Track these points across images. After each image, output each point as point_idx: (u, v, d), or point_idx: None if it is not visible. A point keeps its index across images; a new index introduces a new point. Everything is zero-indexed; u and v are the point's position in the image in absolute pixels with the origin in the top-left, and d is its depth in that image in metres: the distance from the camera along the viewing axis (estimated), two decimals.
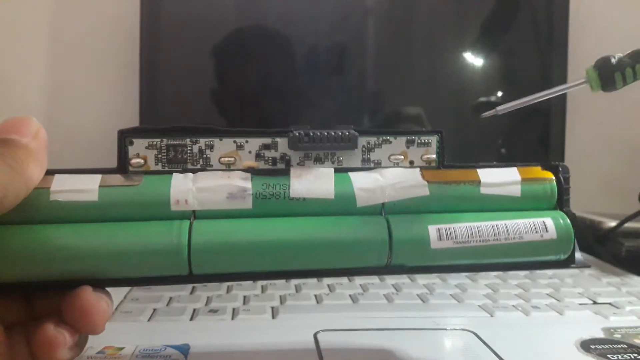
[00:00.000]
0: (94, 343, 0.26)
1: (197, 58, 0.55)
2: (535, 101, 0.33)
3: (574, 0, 0.58)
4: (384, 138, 0.22)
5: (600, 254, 0.48)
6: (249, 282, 0.37)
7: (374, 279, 0.39)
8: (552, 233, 0.22)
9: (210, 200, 0.20)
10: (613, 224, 0.49)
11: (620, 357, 0.27)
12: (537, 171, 0.23)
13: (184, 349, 0.26)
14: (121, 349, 0.26)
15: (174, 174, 0.21)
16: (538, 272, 0.42)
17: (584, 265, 0.23)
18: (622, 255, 0.47)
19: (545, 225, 0.22)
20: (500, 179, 0.22)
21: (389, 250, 0.21)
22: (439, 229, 0.21)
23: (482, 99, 0.57)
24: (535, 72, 0.58)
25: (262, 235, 0.20)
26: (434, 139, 0.23)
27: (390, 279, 0.39)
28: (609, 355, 0.27)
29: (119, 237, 0.20)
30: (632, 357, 0.27)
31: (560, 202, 0.23)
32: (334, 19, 0.56)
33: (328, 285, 0.37)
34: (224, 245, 0.20)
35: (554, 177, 0.23)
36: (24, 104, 0.58)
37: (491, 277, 0.40)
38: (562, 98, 0.58)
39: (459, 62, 0.57)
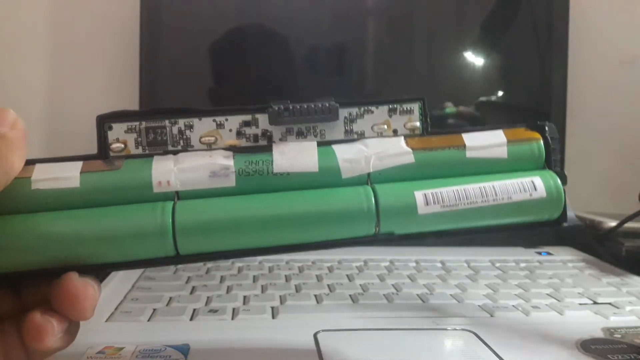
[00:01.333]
0: (94, 343, 0.26)
1: (196, 58, 0.55)
2: None
3: (574, 0, 0.58)
4: (366, 108, 0.22)
5: (600, 254, 0.48)
6: (249, 282, 0.37)
7: (374, 279, 0.39)
8: (541, 192, 0.22)
9: (192, 180, 0.20)
10: (613, 224, 0.49)
11: (620, 357, 0.27)
12: (523, 132, 0.23)
13: (183, 349, 0.26)
14: (121, 349, 0.26)
15: (155, 157, 0.21)
16: (538, 271, 0.42)
17: (576, 223, 0.23)
18: (622, 255, 0.47)
19: (534, 184, 0.22)
20: (485, 141, 0.22)
21: (376, 218, 0.21)
22: (425, 194, 0.21)
23: (482, 98, 0.57)
24: (536, 72, 0.58)
25: (248, 211, 0.20)
26: (416, 106, 0.22)
27: (391, 279, 0.39)
28: (609, 356, 0.27)
29: (103, 222, 0.20)
30: (632, 357, 0.27)
31: (549, 161, 0.23)
32: (334, 18, 0.56)
33: (328, 285, 0.37)
34: (209, 223, 0.20)
35: (540, 137, 0.23)
36: (24, 104, 0.58)
37: (491, 277, 0.40)
38: (562, 98, 0.58)
39: (459, 61, 0.57)
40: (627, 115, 0.63)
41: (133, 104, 0.54)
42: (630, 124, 0.63)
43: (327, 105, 0.21)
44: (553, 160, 0.23)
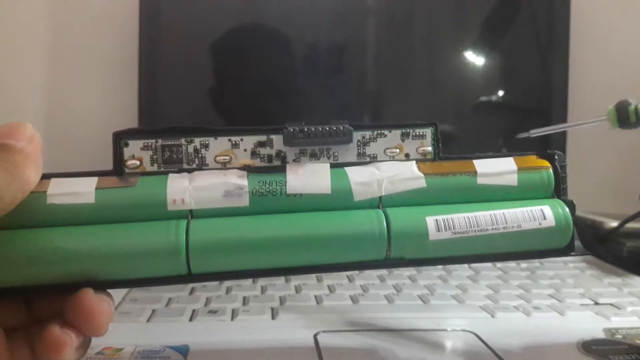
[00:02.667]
0: (93, 344, 0.26)
1: (196, 58, 0.55)
2: (564, 129, 0.39)
3: (575, 0, 0.58)
4: (379, 132, 0.22)
5: (601, 254, 0.47)
6: (249, 282, 0.37)
7: (374, 280, 0.38)
8: (550, 221, 0.22)
9: (207, 199, 0.20)
10: (614, 224, 0.49)
11: (621, 357, 0.27)
12: (533, 160, 0.23)
13: (183, 350, 0.26)
14: (120, 349, 0.26)
15: (170, 174, 0.21)
16: (539, 272, 0.42)
17: (583, 253, 0.23)
18: (624, 255, 0.47)
19: (544, 213, 0.22)
20: (496, 168, 0.23)
21: (387, 243, 0.21)
22: (437, 220, 0.21)
23: (483, 98, 0.57)
24: (536, 72, 0.58)
25: (260, 232, 0.20)
26: (428, 131, 0.23)
27: (391, 279, 0.38)
28: (610, 356, 0.27)
29: (117, 239, 0.20)
30: (634, 357, 0.27)
31: (558, 190, 0.23)
32: (334, 18, 0.56)
33: (328, 286, 0.37)
34: (222, 243, 0.20)
35: (550, 166, 0.23)
36: (23, 105, 0.58)
37: (492, 277, 0.40)
38: (563, 98, 0.58)
39: (460, 61, 0.57)
40: None
41: (132, 105, 0.55)
42: None
43: (342, 128, 0.22)
44: (562, 188, 0.23)
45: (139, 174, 0.21)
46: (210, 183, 0.20)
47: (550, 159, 0.23)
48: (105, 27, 0.59)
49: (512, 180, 0.22)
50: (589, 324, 0.31)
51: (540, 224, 0.22)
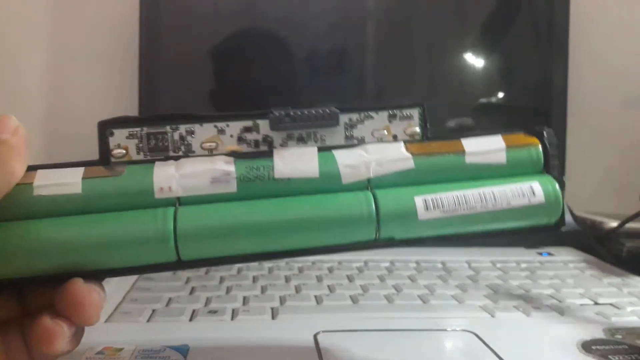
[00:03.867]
0: (94, 343, 0.26)
1: (196, 59, 0.55)
2: None
3: (575, 0, 0.58)
4: (366, 114, 0.22)
5: (601, 254, 0.47)
6: (249, 282, 0.37)
7: (375, 280, 0.38)
8: (540, 197, 0.22)
9: (194, 186, 0.20)
10: (614, 224, 0.49)
11: (621, 357, 0.27)
12: (522, 137, 0.23)
13: (183, 350, 0.26)
14: (120, 349, 0.26)
15: (157, 162, 0.21)
16: (539, 272, 0.42)
17: (574, 228, 0.23)
18: (623, 255, 0.47)
19: (533, 189, 0.22)
20: (484, 147, 0.22)
21: (376, 224, 0.21)
22: (425, 199, 0.21)
23: (483, 100, 0.57)
24: (536, 72, 0.58)
25: (249, 217, 0.20)
26: (415, 112, 0.23)
27: (391, 280, 0.38)
28: (610, 356, 0.27)
29: (105, 228, 0.20)
30: (633, 357, 0.27)
31: (547, 166, 0.23)
32: (334, 19, 0.56)
33: (328, 286, 0.37)
34: (210, 229, 0.20)
35: (539, 142, 0.23)
36: (23, 105, 0.58)
37: (492, 277, 0.40)
38: (563, 98, 0.58)
39: (459, 62, 0.57)
40: (628, 115, 0.63)
41: (132, 105, 0.54)
42: (631, 124, 0.63)
43: (328, 111, 0.22)
44: (552, 165, 0.23)
45: (125, 163, 0.21)
46: (197, 170, 0.20)
47: (539, 136, 0.23)
48: (106, 27, 0.59)
49: (501, 158, 0.22)
50: (588, 324, 0.31)
51: (529, 200, 0.22)
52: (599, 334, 0.30)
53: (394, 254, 0.45)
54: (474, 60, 0.57)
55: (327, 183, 0.21)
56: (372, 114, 0.22)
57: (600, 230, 0.50)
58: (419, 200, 0.21)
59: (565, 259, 0.47)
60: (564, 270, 0.43)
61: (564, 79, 0.58)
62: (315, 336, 0.28)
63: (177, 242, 0.20)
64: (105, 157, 0.21)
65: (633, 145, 0.63)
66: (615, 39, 0.63)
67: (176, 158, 0.21)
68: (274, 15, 0.55)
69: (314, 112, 0.21)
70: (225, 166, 0.21)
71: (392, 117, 0.23)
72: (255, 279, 0.38)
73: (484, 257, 0.46)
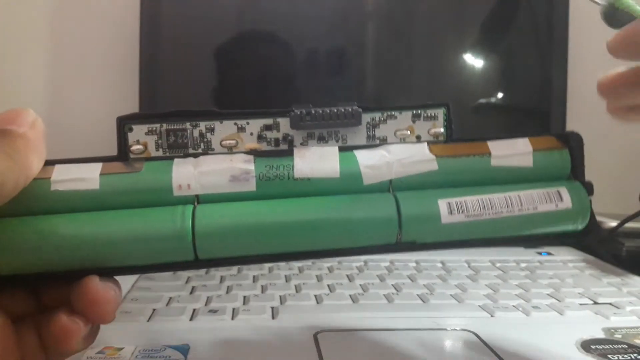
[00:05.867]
0: (94, 343, 0.26)
1: (196, 58, 0.55)
2: None
3: (574, 0, 0.58)
4: (389, 113, 0.22)
5: (600, 254, 0.47)
6: (249, 282, 0.37)
7: (374, 279, 0.39)
8: (567, 202, 0.21)
9: (213, 184, 0.20)
10: (613, 224, 0.49)
11: (620, 357, 0.27)
12: (549, 141, 0.22)
13: (183, 349, 0.26)
14: (121, 349, 0.26)
15: (175, 159, 0.20)
16: (539, 271, 0.42)
17: (601, 238, 0.22)
18: (623, 255, 0.47)
19: (560, 194, 0.21)
20: (511, 150, 0.22)
21: (398, 227, 0.20)
22: (449, 202, 0.21)
23: (482, 99, 0.57)
24: (536, 72, 0.58)
25: (268, 216, 0.20)
26: (440, 112, 0.22)
27: (391, 279, 0.39)
28: (609, 356, 0.27)
29: (122, 225, 0.19)
30: (633, 357, 0.27)
31: (575, 171, 0.22)
32: (334, 19, 0.56)
33: (328, 286, 0.37)
34: (228, 228, 0.20)
35: (566, 146, 0.22)
36: (24, 104, 0.58)
37: (492, 277, 0.40)
38: (563, 98, 0.58)
39: (459, 62, 0.57)
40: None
41: (132, 105, 0.55)
42: (630, 124, 0.63)
43: (350, 110, 0.21)
44: (579, 170, 0.22)
45: (143, 160, 0.20)
46: (217, 168, 0.20)
47: (567, 140, 0.22)
48: (106, 27, 0.59)
49: (528, 161, 0.22)
50: (588, 324, 0.31)
51: (556, 205, 0.21)
52: (598, 333, 0.30)
53: (394, 254, 0.45)
54: (474, 60, 0.57)
55: (348, 184, 0.21)
56: (395, 113, 0.22)
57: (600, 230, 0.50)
58: (442, 204, 0.21)
59: (565, 258, 0.47)
60: (563, 269, 0.43)
61: (563, 79, 0.58)
62: (315, 336, 0.28)
63: (195, 240, 0.19)
64: (123, 153, 0.20)
65: (633, 145, 0.63)
66: None
67: (195, 155, 0.21)
68: (274, 15, 0.55)
69: (335, 110, 0.21)
70: (244, 164, 0.20)
71: (415, 117, 0.22)
72: (255, 279, 0.38)
73: (483, 257, 0.46)
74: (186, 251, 0.20)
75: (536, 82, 0.58)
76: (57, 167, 0.20)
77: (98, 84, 0.60)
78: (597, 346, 0.28)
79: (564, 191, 0.21)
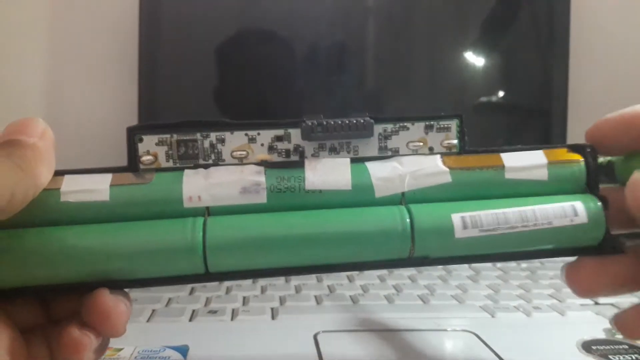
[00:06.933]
0: None
1: (196, 58, 0.55)
2: None
3: (575, 0, 0.58)
4: (401, 125, 0.21)
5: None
6: (249, 282, 0.37)
7: (374, 280, 0.38)
8: (582, 217, 0.21)
9: (223, 196, 0.20)
10: None
11: (621, 358, 0.27)
12: (564, 153, 0.22)
13: (183, 350, 0.26)
14: (120, 350, 0.26)
15: (186, 170, 0.20)
16: (540, 272, 0.42)
17: (619, 252, 0.21)
18: None
19: (575, 209, 0.21)
20: (525, 162, 0.21)
21: (411, 241, 0.20)
22: (463, 217, 0.20)
23: (483, 98, 0.57)
24: (537, 71, 0.58)
25: (279, 229, 0.20)
26: (453, 124, 0.22)
27: (391, 280, 0.38)
28: (610, 356, 0.27)
29: (133, 237, 0.19)
30: (634, 358, 0.27)
31: (590, 184, 0.22)
32: (334, 18, 0.56)
33: (328, 286, 0.37)
34: (239, 241, 0.19)
35: (582, 159, 0.22)
36: (23, 105, 0.58)
37: (492, 277, 0.40)
38: (563, 98, 0.58)
39: (460, 61, 0.57)
40: None
41: (132, 106, 0.55)
42: None
43: (362, 121, 0.21)
44: (594, 183, 0.22)
45: (154, 170, 0.20)
46: (227, 179, 0.20)
47: (582, 152, 0.22)
48: (105, 28, 0.59)
49: (542, 174, 0.21)
50: (589, 324, 0.31)
51: (572, 220, 0.21)
52: (599, 334, 0.29)
53: None
54: (475, 59, 0.57)
55: (360, 196, 0.20)
56: (408, 124, 0.21)
57: None
58: (456, 218, 0.20)
59: (565, 258, 0.47)
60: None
61: (564, 78, 0.58)
62: (315, 336, 0.28)
63: (206, 253, 0.19)
64: (133, 164, 0.20)
65: None
66: (616, 38, 0.63)
67: (206, 166, 0.20)
68: (274, 15, 0.55)
69: (347, 121, 0.21)
70: (255, 176, 0.20)
71: (428, 129, 0.22)
72: (254, 279, 0.38)
73: None
74: (196, 264, 0.19)
75: (537, 82, 0.58)
76: (67, 177, 0.20)
77: (97, 84, 0.59)
78: (598, 347, 0.28)
79: (579, 205, 0.21)
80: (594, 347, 0.28)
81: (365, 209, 0.20)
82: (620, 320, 0.22)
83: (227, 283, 0.37)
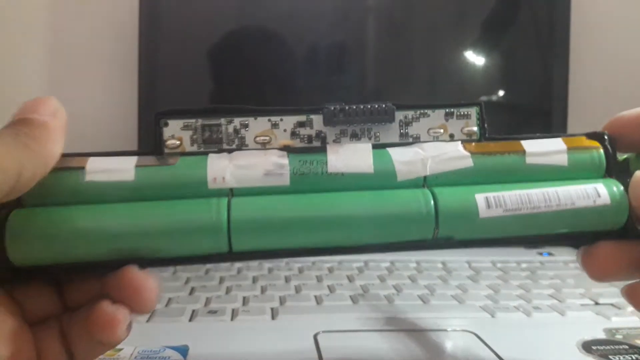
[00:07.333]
0: None
1: (196, 57, 0.55)
2: None
3: (575, 0, 0.58)
4: (422, 112, 0.22)
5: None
6: (249, 282, 0.37)
7: (375, 280, 0.38)
8: (605, 199, 0.21)
9: (247, 178, 0.20)
10: None
11: (621, 358, 0.26)
12: (582, 140, 0.22)
13: (183, 350, 0.26)
14: (120, 350, 0.26)
15: (210, 154, 0.20)
16: (540, 272, 0.42)
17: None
18: None
19: (598, 191, 0.21)
20: (545, 148, 0.22)
21: (435, 221, 0.20)
22: (486, 197, 0.20)
23: (483, 98, 0.57)
24: (537, 71, 0.58)
25: (303, 211, 0.20)
26: (473, 111, 0.22)
27: (391, 280, 0.38)
28: (610, 356, 0.27)
29: (160, 215, 0.19)
30: (634, 358, 0.26)
31: (610, 170, 0.22)
32: (334, 17, 0.56)
33: (328, 286, 0.37)
34: (263, 221, 0.19)
35: (600, 146, 0.22)
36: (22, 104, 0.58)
37: (492, 277, 0.40)
38: (564, 98, 0.58)
39: (460, 61, 0.57)
40: None
41: (132, 105, 0.55)
42: None
43: (384, 106, 0.21)
44: (614, 169, 0.22)
45: (178, 154, 0.20)
46: (251, 162, 0.20)
47: (600, 139, 0.22)
48: (105, 28, 0.59)
49: (562, 160, 0.22)
50: (589, 324, 0.31)
51: (594, 201, 0.21)
52: (599, 334, 0.29)
53: (394, 254, 0.45)
54: (475, 59, 0.57)
55: (382, 180, 0.21)
56: (428, 111, 0.22)
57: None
58: (480, 198, 0.20)
59: (566, 259, 0.47)
60: (564, 270, 0.43)
61: (565, 78, 0.58)
62: (315, 336, 0.28)
63: (230, 232, 0.19)
64: (158, 148, 0.20)
65: None
66: (617, 38, 0.63)
67: (230, 151, 0.21)
68: (273, 14, 0.55)
69: (369, 107, 0.21)
70: (279, 159, 0.20)
71: (448, 116, 0.22)
72: (255, 279, 0.38)
73: (484, 257, 0.46)
74: (221, 243, 0.19)
75: (537, 81, 0.58)
76: (91, 158, 0.20)
77: (97, 84, 0.59)
78: (598, 347, 0.28)
79: (601, 187, 0.21)
80: (594, 347, 0.28)
81: (388, 192, 0.21)
82: (632, 290, 0.22)
83: (227, 283, 0.37)
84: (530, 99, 0.59)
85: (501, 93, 0.58)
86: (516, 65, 0.59)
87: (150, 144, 0.21)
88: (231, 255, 0.20)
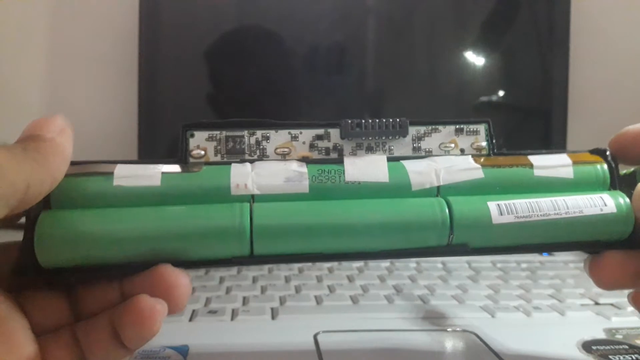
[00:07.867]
0: None
1: (196, 58, 0.55)
2: None
3: (575, 0, 0.58)
4: (433, 127, 0.23)
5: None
6: (249, 282, 0.37)
7: (375, 280, 0.38)
8: (611, 207, 0.22)
9: (268, 185, 0.21)
10: None
11: (621, 358, 0.26)
12: (586, 156, 0.24)
13: (183, 350, 0.26)
14: None
15: (233, 163, 0.22)
16: (540, 272, 0.42)
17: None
18: None
19: (604, 200, 0.22)
20: (551, 162, 0.23)
21: (449, 228, 0.21)
22: (498, 204, 0.21)
23: (483, 98, 0.57)
24: (537, 71, 0.58)
25: (322, 216, 0.21)
26: (482, 128, 0.23)
27: (391, 280, 0.38)
28: (610, 356, 0.27)
29: (185, 219, 0.20)
30: (634, 358, 0.26)
31: (614, 184, 0.23)
32: (334, 18, 0.56)
33: (328, 286, 0.37)
34: (284, 226, 0.20)
35: (603, 160, 0.23)
36: (23, 104, 0.58)
37: (492, 277, 0.40)
38: (564, 98, 0.58)
39: (460, 61, 0.57)
40: (629, 114, 0.63)
41: (132, 106, 0.55)
42: (631, 123, 0.63)
43: (398, 121, 0.22)
44: (618, 183, 0.23)
45: (202, 164, 0.22)
46: (272, 170, 0.21)
47: (602, 155, 0.24)
48: (105, 28, 0.59)
49: (568, 172, 0.23)
50: (589, 324, 0.31)
51: (601, 209, 0.22)
52: (599, 334, 0.29)
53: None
54: (475, 59, 0.57)
55: (397, 189, 0.22)
56: (440, 127, 0.23)
57: None
58: (492, 205, 0.21)
59: (566, 259, 0.47)
60: (564, 270, 0.43)
61: (565, 78, 0.58)
62: (315, 336, 0.28)
63: (252, 236, 0.20)
64: (183, 157, 0.22)
65: None
66: (617, 38, 0.63)
67: (251, 161, 0.22)
68: (273, 15, 0.55)
69: (384, 121, 0.22)
70: (298, 167, 0.21)
71: (458, 132, 0.23)
72: (255, 279, 0.38)
73: (484, 257, 0.46)
74: (243, 246, 0.20)
75: (537, 82, 0.58)
76: (119, 165, 0.21)
77: (97, 84, 0.60)
78: (598, 347, 0.28)
79: (607, 198, 0.22)
80: (594, 347, 0.28)
81: (404, 200, 0.22)
82: (639, 297, 0.23)
83: (227, 283, 0.37)
84: (530, 99, 0.59)
85: (501, 93, 0.58)
86: (516, 65, 0.59)
87: (176, 153, 0.22)
88: (252, 259, 0.21)
